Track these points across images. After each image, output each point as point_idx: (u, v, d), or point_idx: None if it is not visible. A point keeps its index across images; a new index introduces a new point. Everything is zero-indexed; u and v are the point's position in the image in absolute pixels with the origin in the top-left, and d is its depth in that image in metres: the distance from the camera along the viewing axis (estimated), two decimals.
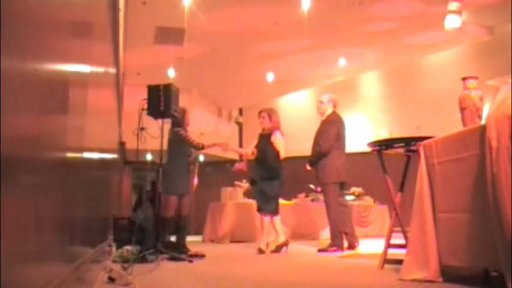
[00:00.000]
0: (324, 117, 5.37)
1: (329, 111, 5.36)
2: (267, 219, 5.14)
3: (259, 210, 5.18)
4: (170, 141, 4.91)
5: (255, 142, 5.36)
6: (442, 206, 2.40)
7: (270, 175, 5.09)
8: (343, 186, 5.33)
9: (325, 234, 6.83)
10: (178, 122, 4.88)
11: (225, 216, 7.48)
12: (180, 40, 8.43)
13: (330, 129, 5.21)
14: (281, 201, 8.12)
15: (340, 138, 5.22)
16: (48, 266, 1.32)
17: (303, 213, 8.14)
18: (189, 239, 4.96)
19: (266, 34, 8.74)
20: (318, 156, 5.19)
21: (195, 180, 5.62)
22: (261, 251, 4.98)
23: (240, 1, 7.62)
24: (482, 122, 2.40)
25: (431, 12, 8.09)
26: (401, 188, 3.31)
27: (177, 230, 4.99)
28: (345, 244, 5.13)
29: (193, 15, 7.13)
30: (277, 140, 5.16)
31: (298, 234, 7.80)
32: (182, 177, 4.89)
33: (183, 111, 4.94)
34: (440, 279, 2.33)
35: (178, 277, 3.12)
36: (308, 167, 5.33)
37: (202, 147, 4.86)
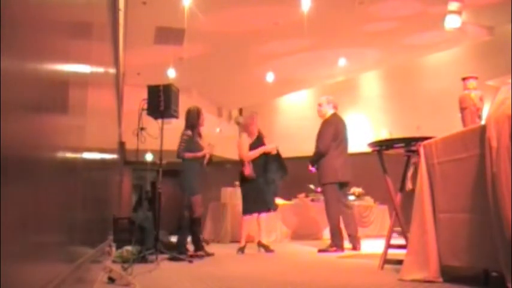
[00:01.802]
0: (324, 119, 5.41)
1: (330, 112, 5.38)
2: (264, 216, 5.26)
3: (270, 208, 5.29)
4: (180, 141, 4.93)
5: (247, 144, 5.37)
6: (442, 206, 2.40)
7: (282, 175, 5.43)
8: (343, 186, 5.33)
9: (327, 234, 6.82)
10: (191, 122, 4.89)
11: (225, 216, 7.48)
12: (180, 40, 8.43)
13: (327, 129, 5.26)
14: (281, 201, 8.19)
15: (338, 138, 5.24)
16: (48, 266, 1.32)
17: (303, 213, 8.14)
18: (190, 238, 4.96)
19: (266, 34, 8.74)
20: (316, 156, 5.26)
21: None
22: (268, 248, 5.03)
23: (240, 1, 7.62)
24: (482, 122, 2.40)
25: (431, 12, 8.09)
26: (402, 188, 3.30)
27: (191, 228, 4.97)
28: (349, 246, 5.12)
29: (193, 15, 7.13)
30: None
31: (299, 235, 7.80)
32: (196, 176, 4.88)
33: (198, 112, 4.95)
34: (440, 279, 2.33)
35: (178, 277, 3.12)
36: (310, 167, 5.37)
37: (182, 158, 4.77)
